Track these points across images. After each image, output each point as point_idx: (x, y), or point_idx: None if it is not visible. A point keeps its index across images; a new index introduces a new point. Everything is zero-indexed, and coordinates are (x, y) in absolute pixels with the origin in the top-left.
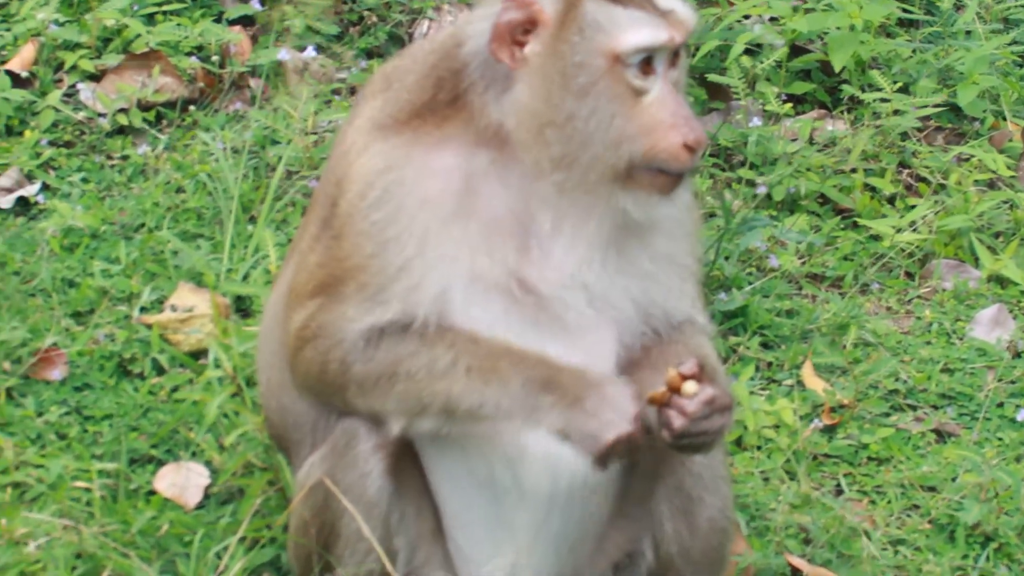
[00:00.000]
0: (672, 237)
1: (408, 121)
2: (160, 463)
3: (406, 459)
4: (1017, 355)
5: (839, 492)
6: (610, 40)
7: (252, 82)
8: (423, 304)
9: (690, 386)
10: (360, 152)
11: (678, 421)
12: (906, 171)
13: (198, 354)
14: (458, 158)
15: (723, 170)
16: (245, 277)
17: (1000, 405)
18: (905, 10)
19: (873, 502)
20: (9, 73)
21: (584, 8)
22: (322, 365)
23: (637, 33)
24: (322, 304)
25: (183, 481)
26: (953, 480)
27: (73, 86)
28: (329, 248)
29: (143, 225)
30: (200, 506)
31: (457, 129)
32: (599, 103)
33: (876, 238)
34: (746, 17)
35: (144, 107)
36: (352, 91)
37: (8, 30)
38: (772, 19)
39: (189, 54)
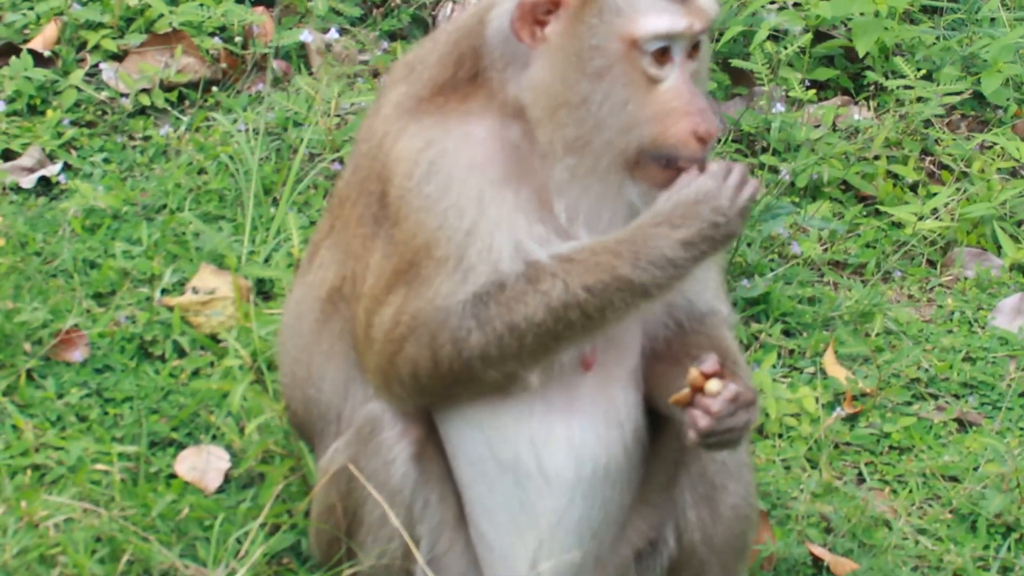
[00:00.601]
0: None
1: (432, 98)
2: (180, 446)
3: (429, 445)
4: None
5: (861, 481)
6: (628, 24)
7: (275, 63)
8: (504, 260)
9: (713, 384)
10: (396, 138)
11: (703, 421)
12: (929, 158)
13: (219, 336)
14: (494, 128)
15: (746, 156)
16: (267, 259)
17: (1022, 395)
18: None
19: (895, 491)
20: (32, 52)
21: None
22: (432, 355)
23: (656, 19)
24: (406, 294)
25: (203, 465)
26: (975, 470)
27: (95, 66)
28: (391, 237)
29: (165, 206)
30: (220, 490)
31: (480, 105)
32: (613, 87)
33: (898, 225)
34: (771, 2)
35: (166, 87)
36: (375, 74)
37: (31, 9)
38: (796, 4)
39: (212, 35)
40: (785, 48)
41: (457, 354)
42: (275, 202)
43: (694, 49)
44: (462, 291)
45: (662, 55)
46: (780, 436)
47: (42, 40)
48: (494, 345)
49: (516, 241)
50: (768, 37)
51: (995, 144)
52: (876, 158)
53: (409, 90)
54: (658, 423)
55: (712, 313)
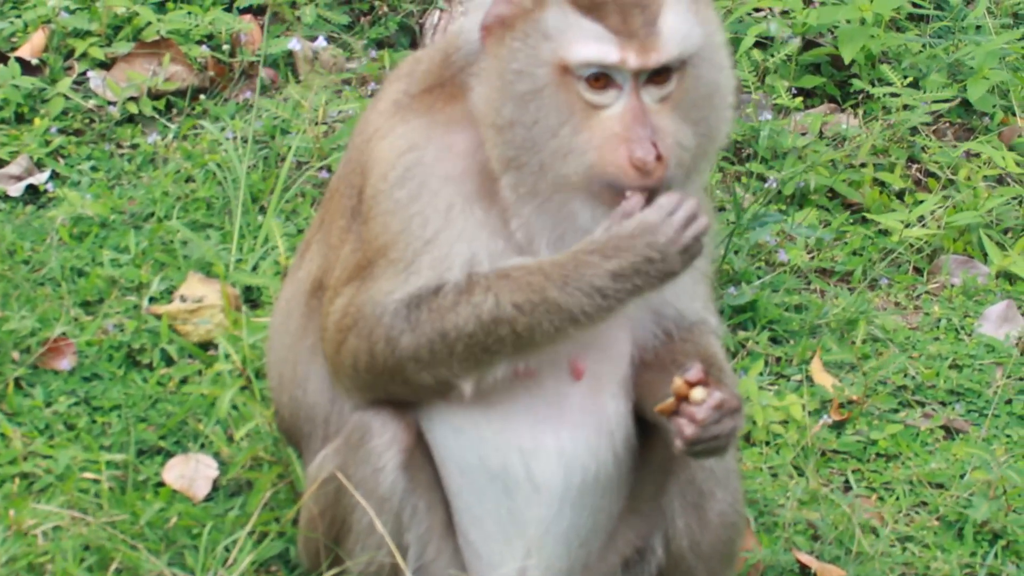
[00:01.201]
0: None
1: (421, 96)
2: (168, 454)
3: (418, 453)
4: None
5: (847, 488)
6: (558, 50)
7: (262, 71)
8: (453, 270)
9: (698, 392)
10: (382, 137)
11: (689, 429)
12: (915, 166)
13: (207, 345)
14: (475, 140)
15: (733, 164)
16: (254, 268)
17: (1009, 402)
18: (915, 4)
19: (881, 499)
20: (19, 60)
21: (541, 13)
22: (369, 350)
23: (584, 48)
24: (357, 287)
25: (191, 473)
26: (961, 477)
27: (83, 74)
28: (360, 234)
29: (152, 214)
30: (208, 498)
31: (464, 111)
32: (544, 112)
33: (885, 233)
34: (757, 10)
35: (154, 96)
36: (363, 81)
37: (19, 17)
38: (783, 12)
39: (199, 42)
40: (772, 56)
41: (391, 352)
42: (263, 210)
43: (658, 76)
44: (400, 291)
45: (597, 81)
46: (767, 444)
47: (30, 48)
48: (425, 348)
49: (472, 254)
50: (755, 45)
51: (981, 152)
52: (863, 166)
53: (405, 87)
54: (647, 431)
55: (700, 323)
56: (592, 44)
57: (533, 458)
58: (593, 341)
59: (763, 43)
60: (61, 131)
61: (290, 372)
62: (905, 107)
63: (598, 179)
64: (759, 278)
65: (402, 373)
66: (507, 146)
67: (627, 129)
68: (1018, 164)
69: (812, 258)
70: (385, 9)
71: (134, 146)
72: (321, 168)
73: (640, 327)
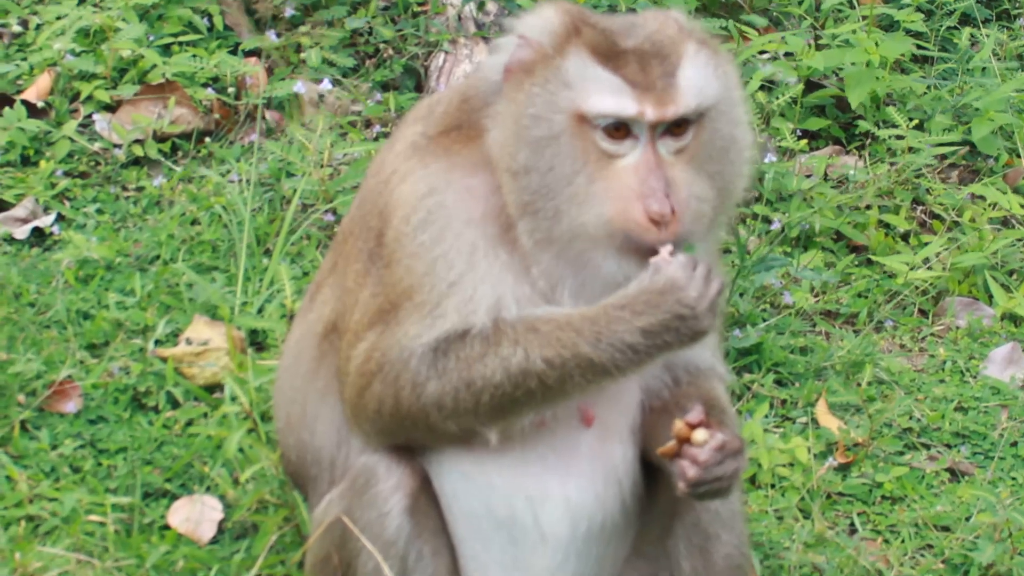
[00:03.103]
0: None
1: (438, 138)
2: (174, 497)
3: (424, 497)
4: None
5: (853, 531)
6: (576, 99)
7: (267, 114)
8: (479, 313)
9: (700, 434)
10: (401, 180)
11: (692, 471)
12: (920, 208)
13: (213, 388)
14: (494, 184)
15: (738, 206)
16: (260, 310)
17: (1014, 444)
18: (920, 47)
19: (887, 541)
20: (25, 103)
21: (561, 61)
22: (395, 395)
23: (602, 99)
24: (381, 332)
25: (197, 515)
26: (967, 520)
27: (89, 116)
28: (381, 277)
29: (158, 257)
30: (214, 540)
31: (480, 154)
32: (559, 159)
33: (890, 275)
34: (762, 52)
35: (159, 138)
36: (367, 124)
37: (24, 60)
38: (787, 55)
39: (205, 85)
40: (777, 98)
41: (416, 399)
42: (268, 253)
43: (677, 127)
44: (427, 335)
45: (617, 131)
46: (772, 486)
47: (35, 91)
48: (450, 397)
49: (498, 297)
50: (760, 87)
51: (986, 194)
52: (868, 208)
53: (423, 130)
54: (652, 474)
55: (708, 369)
56: (610, 96)
57: (540, 506)
58: (603, 389)
59: (768, 86)
60: (67, 174)
61: (299, 413)
62: (910, 149)
63: (615, 231)
64: (764, 320)
65: (426, 420)
66: (522, 191)
67: (642, 182)
68: (1023, 206)
69: (817, 300)
70: (390, 52)
71: (139, 189)
72: (327, 211)
73: (650, 375)
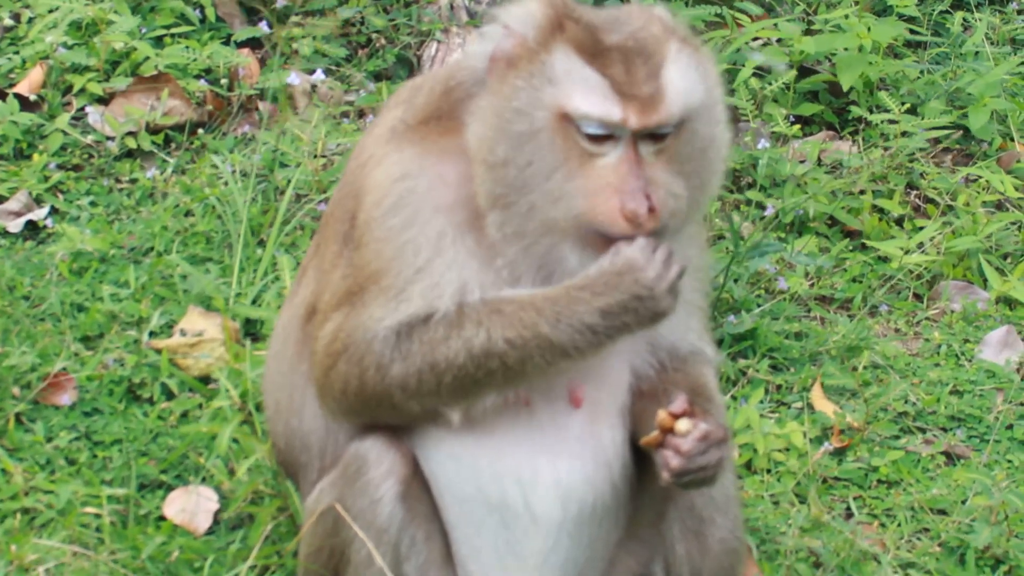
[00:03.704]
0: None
1: (417, 126)
2: (170, 488)
3: (415, 483)
4: None
5: (849, 515)
6: (560, 97)
7: (261, 105)
8: (443, 298)
9: (683, 424)
10: (376, 164)
11: (675, 461)
12: (914, 192)
13: (207, 379)
14: (467, 173)
15: (732, 192)
16: (255, 301)
17: (1010, 427)
18: (913, 31)
19: (883, 525)
20: (18, 96)
21: (547, 56)
22: (359, 376)
23: (587, 102)
24: (347, 313)
25: (193, 507)
26: (963, 503)
27: (82, 109)
28: (351, 259)
29: (152, 249)
30: (210, 531)
31: (457, 144)
32: (539, 154)
33: (885, 260)
34: (755, 39)
35: (153, 130)
36: (361, 114)
37: (17, 53)
38: (780, 40)
39: (197, 77)
40: (770, 84)
41: (380, 379)
42: (262, 243)
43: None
44: (391, 318)
45: (599, 134)
46: (768, 471)
47: (28, 84)
48: (414, 378)
49: (463, 282)
50: (752, 73)
51: (980, 177)
52: (862, 193)
53: (402, 115)
54: (645, 458)
55: (695, 353)
56: (596, 99)
57: (531, 489)
58: (592, 370)
59: (761, 72)
60: (60, 167)
61: (286, 399)
62: (904, 134)
63: (587, 226)
64: (759, 306)
65: (390, 400)
66: (497, 184)
67: (622, 180)
68: (1017, 189)
69: (812, 286)
70: (383, 41)
71: (133, 181)
72: (321, 201)
73: (637, 357)
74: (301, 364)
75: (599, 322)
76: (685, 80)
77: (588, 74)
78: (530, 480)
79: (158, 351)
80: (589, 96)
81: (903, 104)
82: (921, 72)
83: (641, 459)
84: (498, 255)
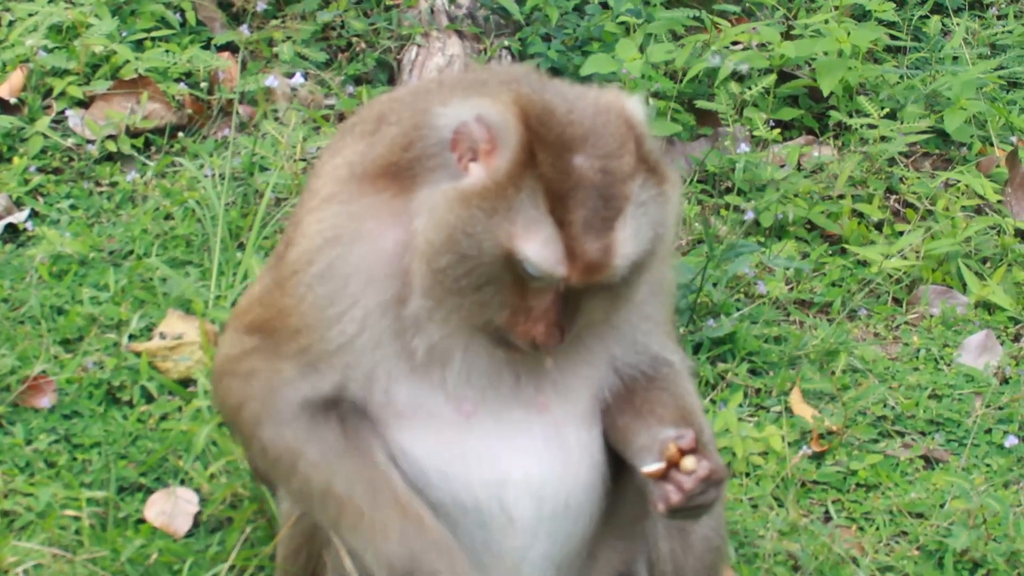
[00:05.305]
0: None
1: (375, 179)
2: (149, 491)
3: None
4: (1005, 381)
5: (828, 519)
6: (514, 238)
7: (240, 108)
8: (357, 381)
9: (689, 462)
10: (320, 204)
11: (675, 496)
12: (893, 197)
13: (187, 382)
14: (406, 242)
15: (711, 196)
16: (233, 304)
17: (988, 431)
18: (892, 36)
19: (862, 529)
20: None
21: (514, 194)
22: (239, 405)
23: (537, 252)
24: (258, 347)
25: (172, 509)
26: (941, 506)
27: (62, 112)
28: (271, 292)
29: (132, 252)
30: (189, 534)
31: (404, 207)
32: (478, 272)
33: (864, 264)
34: (735, 43)
35: (132, 133)
36: (340, 117)
37: None
38: (760, 45)
39: (177, 80)
40: (749, 88)
41: (253, 425)
42: (241, 247)
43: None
44: (300, 388)
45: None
46: (747, 475)
47: (8, 87)
48: (272, 456)
49: (374, 367)
50: (733, 77)
51: (959, 182)
52: (841, 197)
53: (362, 156)
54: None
55: (666, 365)
56: (547, 254)
57: (504, 491)
58: (555, 382)
59: (740, 76)
60: (40, 170)
61: None
62: (883, 138)
63: (500, 330)
64: (738, 310)
65: (247, 442)
66: (434, 283)
67: (543, 313)
68: (996, 193)
69: (791, 290)
70: (363, 46)
71: (113, 184)
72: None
73: (597, 381)
74: None
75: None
76: (638, 236)
77: (547, 227)
78: (502, 482)
79: (138, 354)
80: (542, 250)
81: (882, 109)
82: (900, 77)
83: (618, 459)
84: (417, 334)
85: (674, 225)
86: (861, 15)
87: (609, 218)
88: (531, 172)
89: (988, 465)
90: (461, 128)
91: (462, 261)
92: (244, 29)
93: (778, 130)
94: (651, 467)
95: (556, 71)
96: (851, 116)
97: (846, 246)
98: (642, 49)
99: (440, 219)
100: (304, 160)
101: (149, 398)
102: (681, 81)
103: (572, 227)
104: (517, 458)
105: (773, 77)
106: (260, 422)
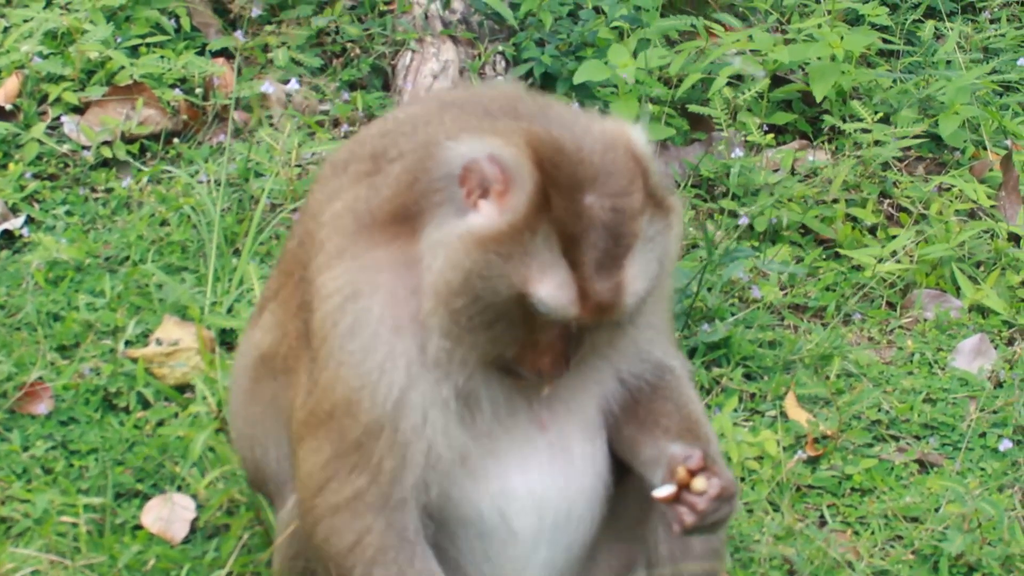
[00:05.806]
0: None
1: (384, 227)
2: (146, 497)
3: None
4: (999, 385)
5: (823, 523)
6: (529, 280)
7: (235, 114)
8: (440, 457)
9: (699, 483)
10: (330, 260)
11: (689, 518)
12: (887, 201)
13: (183, 388)
14: (417, 285)
15: (705, 201)
16: (230, 310)
17: (982, 435)
18: (886, 40)
19: (857, 533)
20: None
21: (531, 238)
22: (354, 544)
23: (551, 294)
24: (349, 473)
25: (169, 515)
26: (936, 511)
27: (57, 118)
28: (311, 371)
29: (127, 258)
30: (186, 540)
31: (415, 251)
32: (492, 310)
33: (858, 268)
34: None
35: (128, 139)
36: (335, 123)
37: None
38: (754, 50)
39: (172, 86)
40: (743, 93)
41: (323, 536)
42: (237, 252)
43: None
44: (374, 496)
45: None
46: (742, 479)
47: (3, 93)
48: (337, 554)
49: (430, 444)
50: (726, 82)
51: (953, 186)
52: (835, 201)
53: (367, 201)
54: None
55: (667, 370)
56: (561, 296)
57: (506, 504)
58: (557, 399)
59: (734, 81)
60: (36, 176)
61: (248, 429)
62: (876, 143)
63: (510, 362)
64: (732, 315)
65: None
66: (452, 323)
67: (551, 346)
68: (989, 197)
69: (785, 294)
70: (357, 51)
71: (108, 190)
72: (295, 210)
73: (605, 394)
74: (251, 404)
75: None
76: (646, 272)
77: (561, 271)
78: (504, 495)
79: (134, 360)
80: (556, 293)
81: (876, 113)
82: (894, 81)
83: (620, 464)
84: (444, 380)
85: (677, 251)
86: (854, 20)
87: (619, 256)
88: (545, 215)
89: (983, 469)
90: (471, 165)
91: (476, 302)
92: (239, 35)
93: (772, 135)
94: (662, 492)
95: (550, 76)
96: (845, 120)
97: (840, 250)
98: (635, 55)
99: (456, 262)
100: (299, 166)
101: (145, 404)
102: (676, 87)
103: (584, 268)
104: (521, 472)
105: (767, 82)
106: (330, 532)
